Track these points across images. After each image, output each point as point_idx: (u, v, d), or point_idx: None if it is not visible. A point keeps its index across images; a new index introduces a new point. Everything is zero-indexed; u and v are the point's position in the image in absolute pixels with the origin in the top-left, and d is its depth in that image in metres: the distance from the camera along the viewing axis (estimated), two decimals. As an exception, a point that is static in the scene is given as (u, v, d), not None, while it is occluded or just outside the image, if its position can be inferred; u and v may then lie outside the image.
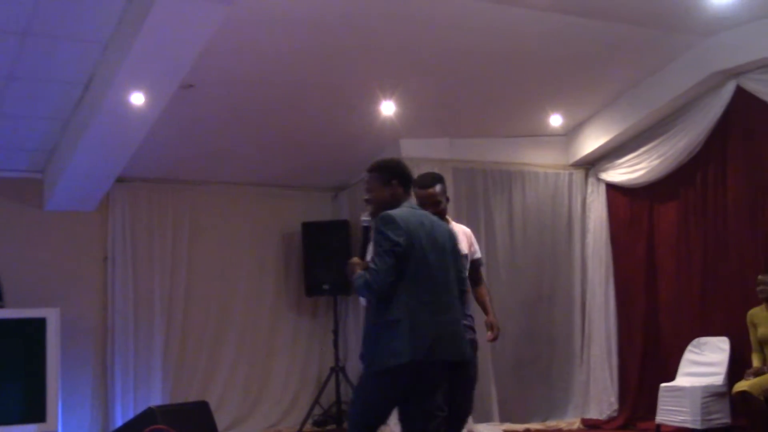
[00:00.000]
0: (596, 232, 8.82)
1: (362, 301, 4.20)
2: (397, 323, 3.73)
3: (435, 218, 4.09)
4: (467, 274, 4.62)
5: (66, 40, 5.93)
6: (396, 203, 3.95)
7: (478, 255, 5.02)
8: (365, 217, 4.09)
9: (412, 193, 4.20)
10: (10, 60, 6.03)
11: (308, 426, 8.62)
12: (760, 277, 6.68)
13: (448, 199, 4.88)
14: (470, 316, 4.65)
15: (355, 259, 3.99)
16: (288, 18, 6.07)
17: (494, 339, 4.93)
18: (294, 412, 8.83)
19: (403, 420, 3.94)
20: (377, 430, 3.93)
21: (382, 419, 3.95)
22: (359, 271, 3.85)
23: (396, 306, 3.75)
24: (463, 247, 4.63)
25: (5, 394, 7.14)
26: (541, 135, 8.83)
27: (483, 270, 5.16)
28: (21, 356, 7.26)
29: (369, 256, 3.94)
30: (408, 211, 3.92)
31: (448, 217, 4.83)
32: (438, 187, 4.71)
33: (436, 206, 4.61)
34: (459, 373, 4.17)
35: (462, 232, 4.83)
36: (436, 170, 8.35)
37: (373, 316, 3.86)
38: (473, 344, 4.52)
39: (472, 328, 4.59)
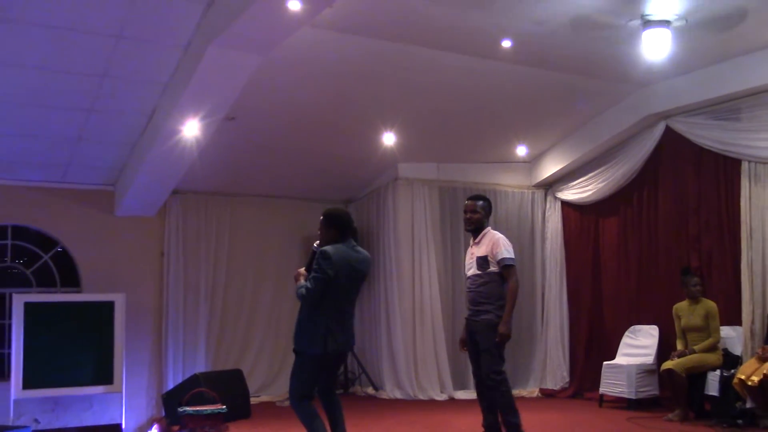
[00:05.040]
0: (553, 240, 8.87)
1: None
2: (318, 323, 4.36)
3: (360, 251, 4.58)
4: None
5: (135, 82, 6.10)
6: (332, 242, 4.47)
7: (500, 257, 4.97)
8: (316, 245, 4.57)
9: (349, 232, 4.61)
10: (92, 97, 6.20)
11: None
12: (696, 279, 6.69)
13: (487, 214, 5.20)
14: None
15: (301, 270, 4.55)
16: (311, 66, 6.22)
17: (498, 341, 4.92)
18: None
19: (320, 387, 4.59)
20: (311, 400, 4.45)
21: (313, 388, 4.49)
22: (301, 281, 4.45)
23: (320, 312, 4.37)
24: (481, 251, 5.03)
25: (81, 361, 7.26)
26: (510, 161, 8.89)
27: (510, 271, 4.97)
28: (94, 332, 7.35)
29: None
30: (341, 248, 4.46)
31: (489, 227, 5.19)
32: (476, 202, 5.17)
33: (473, 213, 5.13)
34: (341, 357, 4.68)
35: (489, 239, 5.09)
36: (425, 189, 8.52)
37: (305, 315, 4.44)
38: None
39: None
